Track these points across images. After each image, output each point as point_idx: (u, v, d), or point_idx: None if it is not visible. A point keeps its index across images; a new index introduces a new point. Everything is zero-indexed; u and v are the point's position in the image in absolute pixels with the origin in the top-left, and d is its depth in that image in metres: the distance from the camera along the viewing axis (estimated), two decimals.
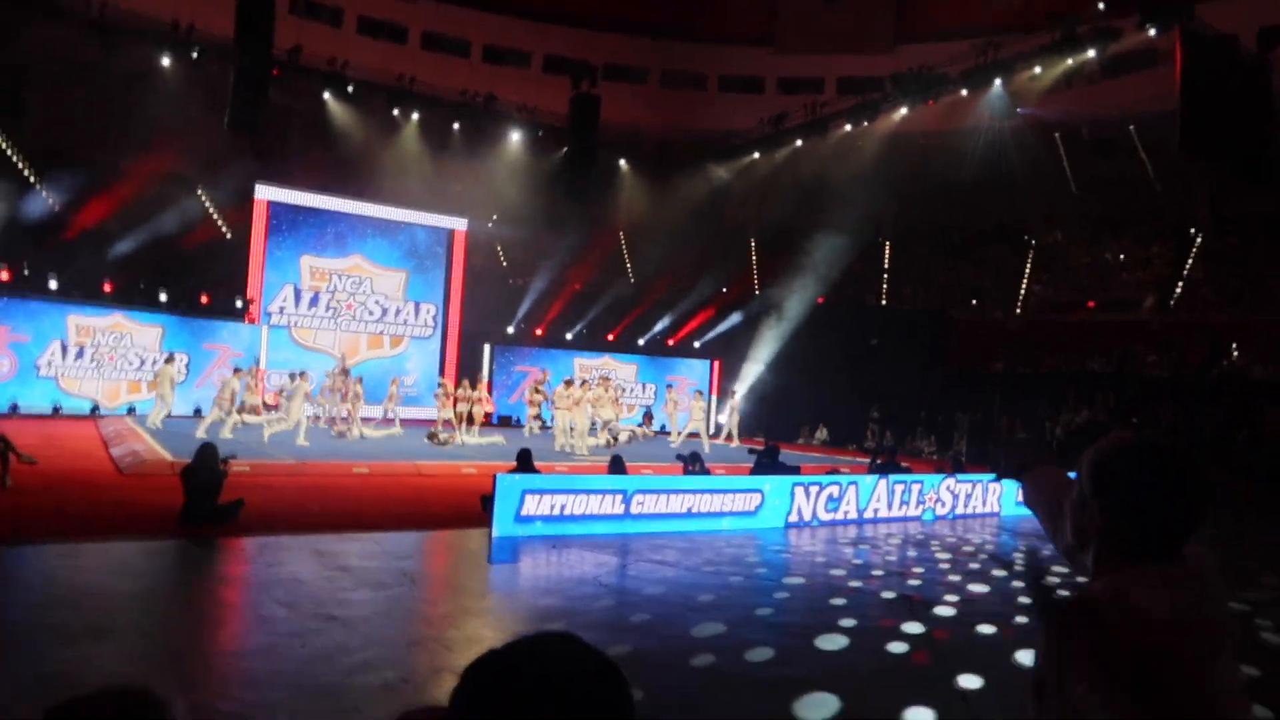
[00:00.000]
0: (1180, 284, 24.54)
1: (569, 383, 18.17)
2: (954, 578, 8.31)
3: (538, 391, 20.12)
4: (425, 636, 5.61)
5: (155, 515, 8.53)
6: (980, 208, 26.51)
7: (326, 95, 24.21)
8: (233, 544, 7.84)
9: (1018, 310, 26.21)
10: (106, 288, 20.07)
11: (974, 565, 9.08)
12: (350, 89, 24.14)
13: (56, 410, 18.56)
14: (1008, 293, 26.83)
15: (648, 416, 23.28)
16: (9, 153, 20.62)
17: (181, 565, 7.36)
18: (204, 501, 8.36)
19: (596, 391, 18.44)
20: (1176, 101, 16.58)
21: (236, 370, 16.93)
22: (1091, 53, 20.01)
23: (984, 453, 20.48)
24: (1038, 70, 20.94)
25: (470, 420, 18.47)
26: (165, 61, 21.93)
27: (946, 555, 9.57)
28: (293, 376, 17.21)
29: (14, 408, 17.80)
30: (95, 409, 18.94)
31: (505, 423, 22.94)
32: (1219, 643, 1.32)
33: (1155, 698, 1.21)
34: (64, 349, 19.03)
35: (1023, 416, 22.57)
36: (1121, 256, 26.30)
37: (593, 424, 18.15)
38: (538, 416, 20.08)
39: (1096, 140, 25.37)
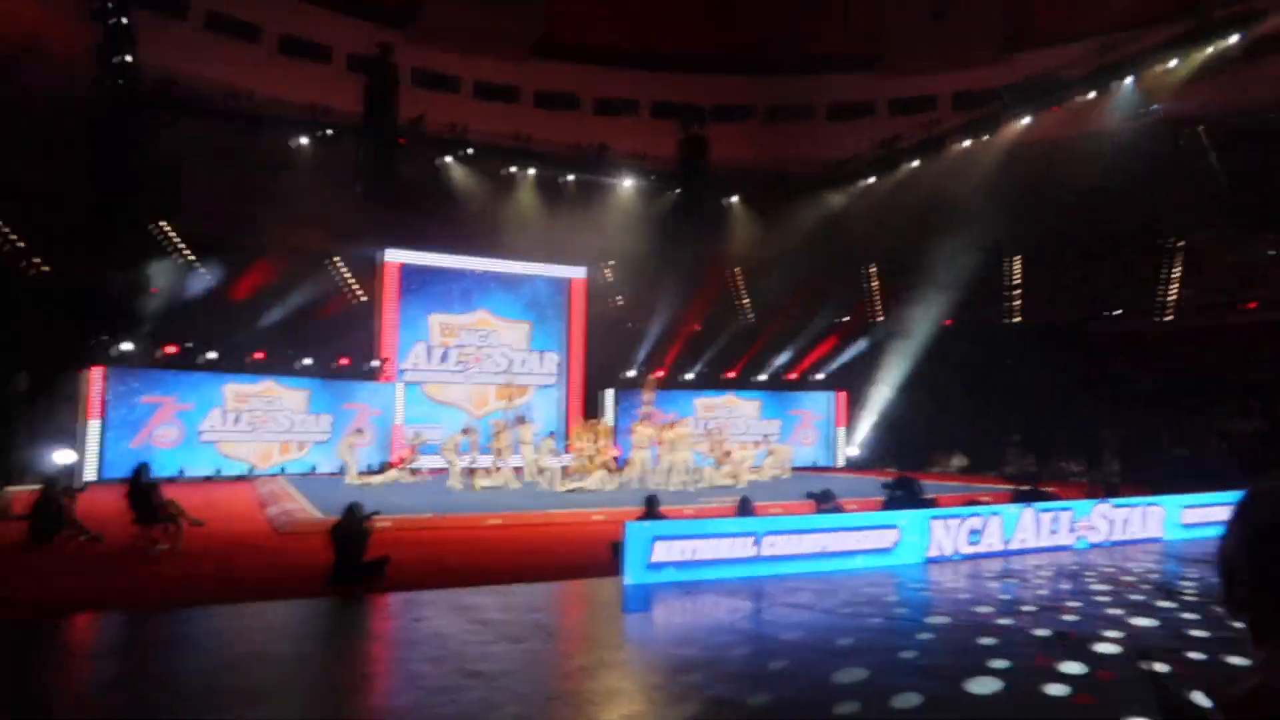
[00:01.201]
0: None
1: (649, 422, 18.76)
2: (1115, 611, 7.77)
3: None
4: (565, 691, 5.66)
5: (308, 573, 8.99)
6: (1115, 213, 25.11)
7: (448, 159, 25.45)
8: (379, 600, 8.16)
9: (1167, 317, 24.57)
10: (257, 356, 21.53)
11: (1136, 596, 8.47)
12: (469, 151, 25.30)
13: (217, 473, 19.93)
14: (1151, 300, 25.20)
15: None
16: (171, 237, 22.54)
17: (334, 624, 7.72)
18: (351, 558, 8.75)
19: (678, 430, 18.53)
20: None
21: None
22: (1234, 38, 18.78)
23: (1138, 472, 19.15)
24: (1172, 63, 19.78)
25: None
26: (303, 142, 23.61)
27: (1105, 586, 8.96)
28: (520, 418, 18.78)
29: (180, 472, 19.22)
30: (251, 470, 20.24)
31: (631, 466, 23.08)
32: None
33: None
34: (222, 415, 20.46)
35: (1180, 430, 21.02)
36: (1273, 252, 24.30)
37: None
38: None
39: (1243, 131, 23.68)
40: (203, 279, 22.52)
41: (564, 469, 18.68)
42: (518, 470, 18.87)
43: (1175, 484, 14.42)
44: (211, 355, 20.83)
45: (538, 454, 18.52)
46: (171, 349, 20.51)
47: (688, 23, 29.64)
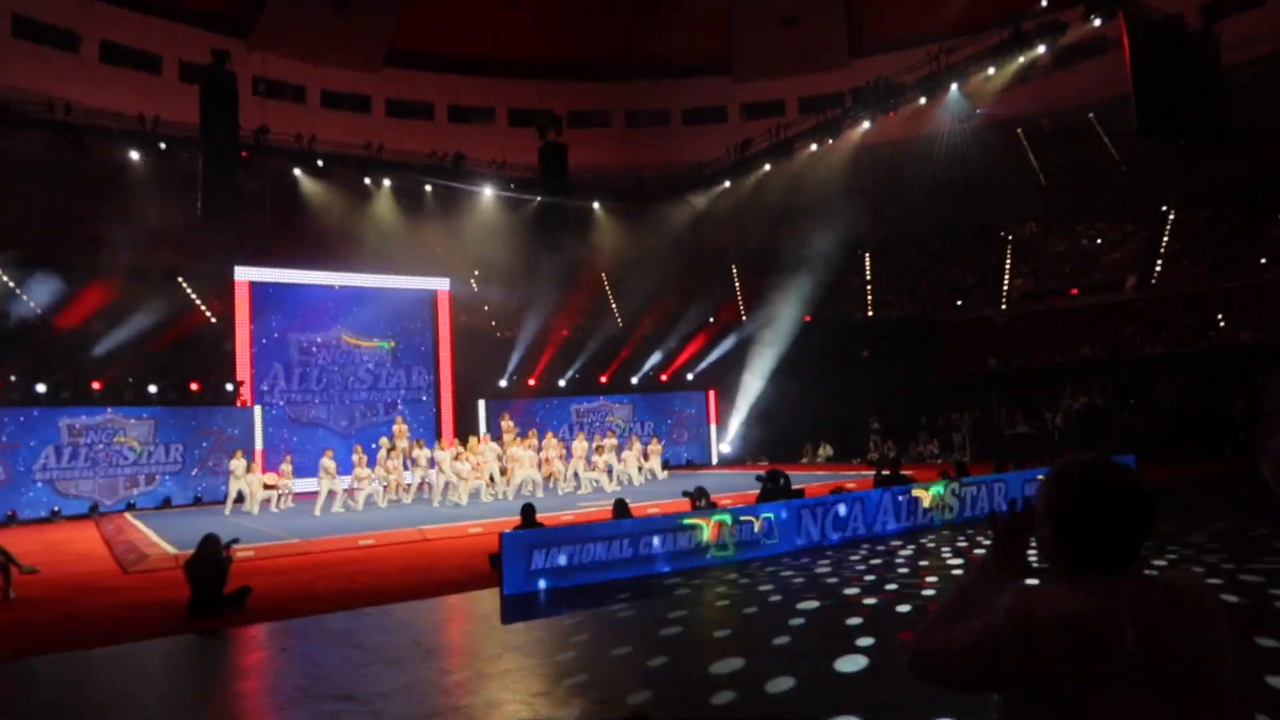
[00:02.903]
0: (1159, 261, 24.75)
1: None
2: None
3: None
4: (445, 707, 5.55)
5: (163, 612, 8.47)
6: (952, 210, 26.79)
7: (297, 171, 24.47)
8: (244, 633, 7.77)
9: (1003, 306, 26.38)
10: (95, 386, 20.06)
11: None
12: (320, 163, 24.41)
13: (55, 513, 18.45)
14: (991, 290, 27.02)
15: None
16: None
17: (195, 661, 7.29)
18: (210, 593, 8.30)
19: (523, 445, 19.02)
20: (1130, 86, 16.86)
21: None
22: (1041, 48, 20.32)
23: (986, 451, 20.49)
24: (991, 70, 21.23)
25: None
26: (134, 155, 22.16)
27: (958, 561, 9.53)
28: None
29: (11, 516, 17.70)
30: (94, 508, 18.85)
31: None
32: (1135, 663, 1.36)
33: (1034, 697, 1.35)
34: (58, 452, 18.96)
35: (1022, 409, 22.62)
36: (1098, 240, 26.56)
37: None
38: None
39: (1058, 130, 25.76)
40: (27, 303, 20.81)
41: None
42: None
43: (1018, 459, 15.51)
44: (41, 389, 19.27)
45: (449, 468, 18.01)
46: None
47: (541, 29, 29.62)
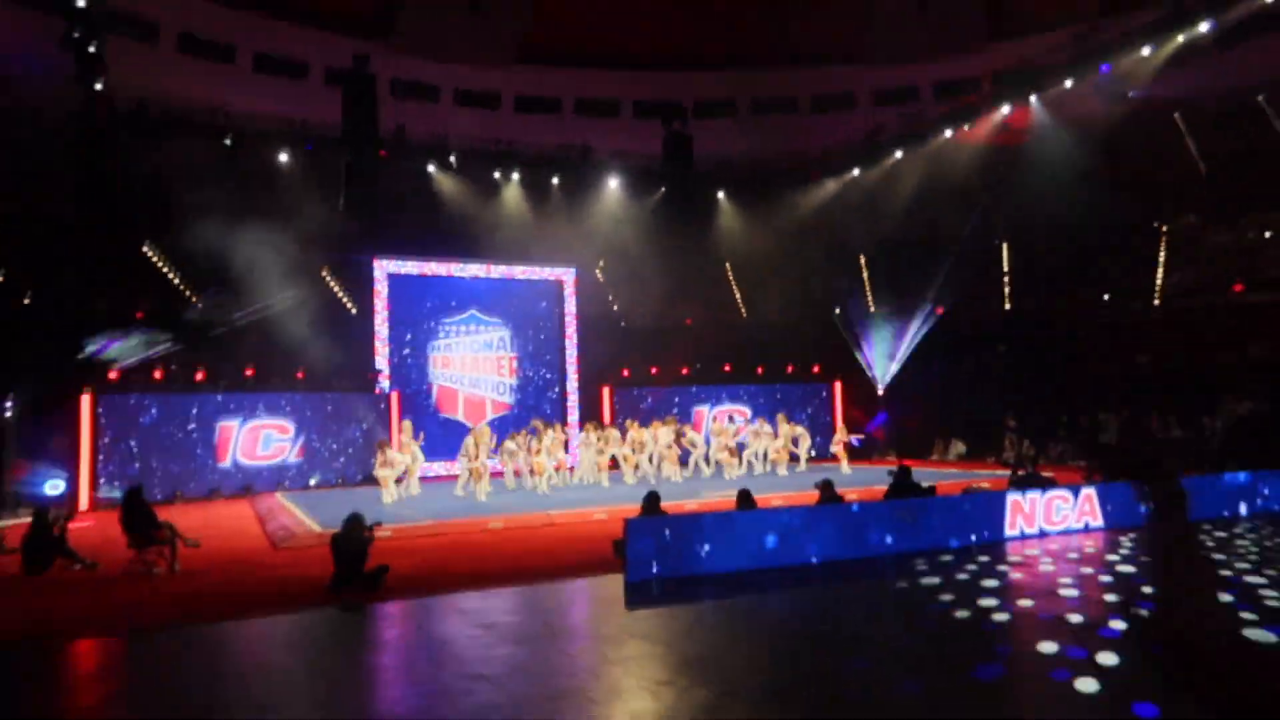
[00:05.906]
0: None
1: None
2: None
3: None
4: (569, 689, 5.62)
5: (308, 586, 8.94)
6: (1100, 201, 25.17)
7: (430, 167, 25.39)
8: (381, 609, 8.11)
9: (1156, 302, 24.64)
10: (248, 373, 21.41)
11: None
12: (452, 159, 25.26)
13: (213, 492, 19.81)
14: (1143, 285, 25.25)
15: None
16: (158, 262, 22.38)
17: (336, 634, 7.66)
18: (351, 569, 8.70)
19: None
20: None
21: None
22: (1205, 26, 18.84)
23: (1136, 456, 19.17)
24: (1147, 51, 19.85)
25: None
26: (284, 157, 23.50)
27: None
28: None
29: (176, 494, 19.12)
30: (248, 488, 20.13)
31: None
32: None
33: None
34: (215, 435, 20.34)
35: (1175, 412, 21.09)
36: (1266, 234, 24.39)
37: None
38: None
39: (1222, 114, 23.81)
40: (189, 298, 22.34)
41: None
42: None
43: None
44: (199, 377, 20.73)
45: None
46: (158, 374, 20.39)
47: (668, 21, 29.64)
